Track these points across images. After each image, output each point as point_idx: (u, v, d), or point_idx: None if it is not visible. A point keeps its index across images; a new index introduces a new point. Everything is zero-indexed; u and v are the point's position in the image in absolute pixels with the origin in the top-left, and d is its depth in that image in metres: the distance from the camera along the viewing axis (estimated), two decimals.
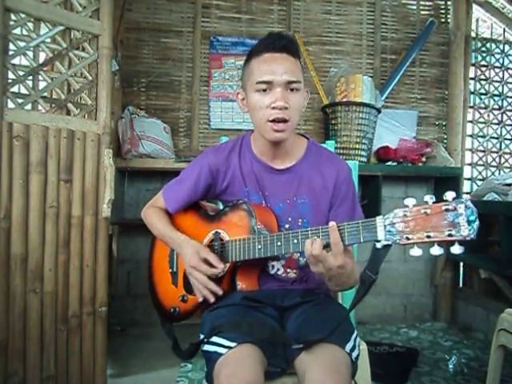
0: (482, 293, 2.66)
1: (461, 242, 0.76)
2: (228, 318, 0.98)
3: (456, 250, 0.76)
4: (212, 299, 1.05)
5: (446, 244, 0.77)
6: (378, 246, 0.83)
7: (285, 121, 1.03)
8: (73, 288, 1.60)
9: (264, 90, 1.03)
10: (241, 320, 0.96)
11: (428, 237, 0.77)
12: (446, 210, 0.77)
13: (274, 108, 1.02)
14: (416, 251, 0.80)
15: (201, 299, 1.07)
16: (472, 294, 2.73)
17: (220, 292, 1.05)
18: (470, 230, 0.74)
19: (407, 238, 0.79)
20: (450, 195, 0.77)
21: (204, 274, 1.05)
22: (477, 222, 0.75)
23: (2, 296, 1.44)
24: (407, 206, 0.81)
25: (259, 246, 1.01)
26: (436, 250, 0.78)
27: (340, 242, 0.87)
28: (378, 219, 0.84)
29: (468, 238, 0.75)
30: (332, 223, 0.88)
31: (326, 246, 0.89)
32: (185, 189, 1.18)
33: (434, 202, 0.79)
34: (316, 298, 1.08)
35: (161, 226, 1.19)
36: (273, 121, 1.03)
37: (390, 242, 0.82)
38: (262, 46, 1.06)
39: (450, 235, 0.75)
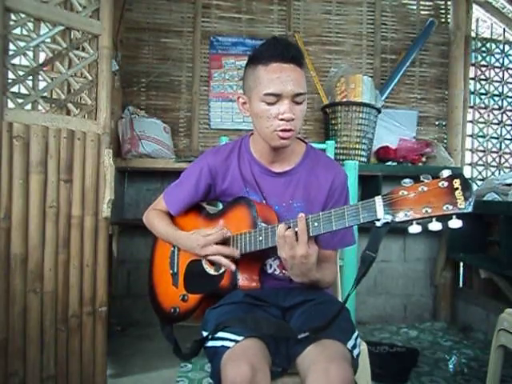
0: (481, 293, 2.66)
1: (459, 216, 0.78)
2: (233, 314, 0.99)
3: (454, 223, 0.78)
4: (233, 267, 1.06)
5: (444, 218, 0.79)
6: (378, 224, 0.85)
7: (291, 130, 1.05)
8: (73, 288, 1.60)
9: (271, 102, 1.03)
10: (246, 316, 0.97)
11: (426, 212, 0.79)
12: (442, 185, 0.79)
13: (281, 119, 1.03)
14: (415, 228, 0.81)
15: (233, 267, 1.07)
16: (472, 294, 2.73)
17: (236, 253, 1.06)
18: (466, 203, 0.76)
19: (406, 215, 0.81)
20: (445, 172, 0.80)
21: (213, 243, 1.08)
22: (473, 196, 0.76)
23: (2, 296, 1.44)
24: (404, 185, 0.83)
25: (260, 238, 1.03)
26: (435, 226, 0.79)
27: (305, 231, 0.93)
28: (377, 198, 0.85)
29: (465, 211, 0.76)
30: (301, 214, 0.94)
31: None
32: (185, 190, 1.19)
33: (430, 180, 0.81)
34: (317, 297, 1.08)
35: (162, 226, 1.21)
36: (280, 130, 1.04)
37: (389, 220, 0.83)
38: (269, 53, 1.03)
39: (447, 209, 0.77)
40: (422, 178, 0.82)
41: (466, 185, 0.77)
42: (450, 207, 0.77)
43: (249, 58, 1.09)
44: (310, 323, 0.97)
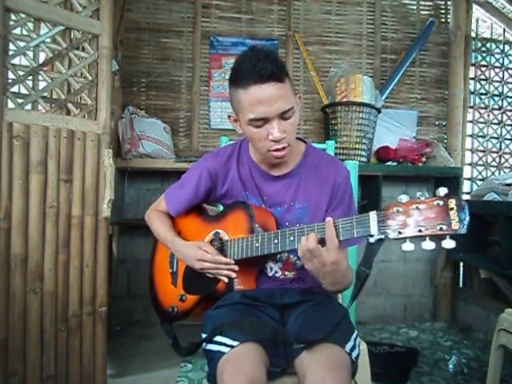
0: (482, 293, 2.66)
1: (452, 237, 0.77)
2: (229, 318, 0.98)
3: (447, 244, 0.78)
4: (233, 274, 1.05)
5: (438, 238, 0.78)
6: (372, 240, 0.84)
7: (284, 148, 1.03)
8: (73, 288, 1.60)
9: (259, 126, 1.01)
10: (242, 319, 0.96)
11: (419, 231, 0.79)
12: (438, 204, 0.78)
13: (272, 140, 1.01)
14: (408, 246, 0.81)
15: (226, 279, 1.06)
16: (472, 294, 2.73)
17: (232, 262, 1.05)
18: (460, 225, 0.76)
19: (399, 233, 0.81)
20: (442, 191, 0.79)
21: (211, 261, 1.06)
22: (468, 217, 0.76)
23: (2, 296, 1.44)
24: (400, 202, 0.82)
25: (257, 244, 1.02)
26: (427, 245, 0.79)
27: (335, 236, 0.88)
28: (371, 214, 0.85)
29: (459, 232, 0.76)
30: (329, 218, 0.90)
31: (321, 242, 0.90)
32: (186, 193, 1.19)
33: (426, 198, 0.80)
34: (316, 298, 1.08)
35: (162, 230, 1.20)
36: (273, 150, 1.03)
37: (382, 237, 0.83)
38: (246, 75, 0.97)
39: (441, 229, 0.77)
40: (418, 196, 0.81)
41: (462, 205, 0.76)
42: (444, 227, 0.77)
43: (230, 76, 1.03)
44: (307, 329, 0.97)
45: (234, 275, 1.05)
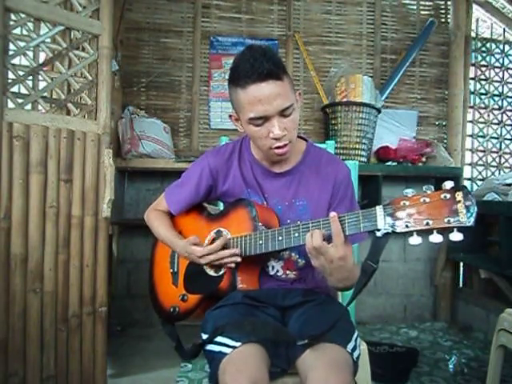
0: (481, 293, 2.66)
1: (460, 229, 0.77)
2: (231, 318, 0.98)
3: (455, 236, 0.77)
4: (239, 259, 1.05)
5: (445, 231, 0.78)
6: (378, 234, 0.84)
7: (285, 145, 1.04)
8: (73, 288, 1.60)
9: (259, 124, 1.01)
10: (244, 320, 0.96)
11: (427, 224, 0.78)
12: (445, 197, 0.78)
13: (273, 138, 1.01)
14: (415, 239, 0.80)
15: (233, 263, 1.06)
16: (472, 294, 2.73)
17: (237, 251, 1.04)
18: (468, 217, 0.75)
19: (406, 226, 0.80)
20: (448, 184, 0.78)
21: (213, 252, 1.05)
22: (475, 209, 0.75)
23: (2, 296, 1.44)
24: (406, 196, 0.82)
25: (260, 242, 1.02)
26: (435, 238, 0.78)
27: (341, 232, 0.87)
28: (378, 208, 0.84)
29: (466, 225, 0.75)
30: (333, 213, 0.88)
31: (327, 239, 0.89)
32: (187, 191, 1.19)
33: (432, 192, 0.80)
34: (317, 298, 1.09)
35: (162, 230, 1.20)
36: (275, 148, 1.03)
37: (389, 230, 0.82)
38: (244, 75, 0.97)
39: (448, 222, 0.76)
40: (424, 189, 0.80)
41: (469, 198, 0.76)
42: (452, 220, 0.76)
43: (228, 76, 1.03)
44: (309, 327, 0.97)
45: (239, 259, 1.04)
